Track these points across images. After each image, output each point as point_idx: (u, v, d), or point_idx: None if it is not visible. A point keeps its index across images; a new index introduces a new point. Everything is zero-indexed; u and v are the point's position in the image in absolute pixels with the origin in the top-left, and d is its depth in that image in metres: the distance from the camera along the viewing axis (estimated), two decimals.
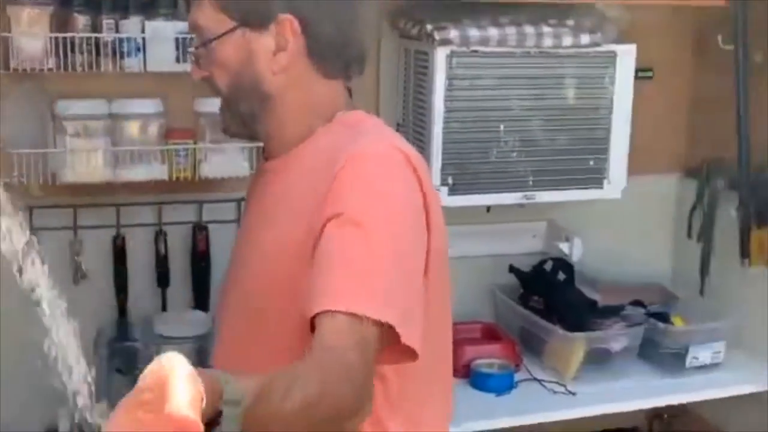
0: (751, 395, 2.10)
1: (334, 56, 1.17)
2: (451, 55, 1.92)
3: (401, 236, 1.07)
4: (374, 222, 1.04)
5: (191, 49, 1.21)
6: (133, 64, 1.80)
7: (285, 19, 1.13)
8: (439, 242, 1.14)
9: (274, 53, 1.14)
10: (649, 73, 2.32)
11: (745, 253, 2.17)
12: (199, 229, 2.06)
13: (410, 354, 1.03)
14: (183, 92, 1.91)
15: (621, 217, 2.35)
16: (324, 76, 1.18)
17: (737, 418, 2.20)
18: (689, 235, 2.36)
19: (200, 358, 1.91)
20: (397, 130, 2.10)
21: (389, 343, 1.01)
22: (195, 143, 1.91)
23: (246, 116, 1.19)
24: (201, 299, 2.06)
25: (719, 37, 2.18)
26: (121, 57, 1.78)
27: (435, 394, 1.23)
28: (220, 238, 2.05)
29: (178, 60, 1.82)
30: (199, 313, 2.00)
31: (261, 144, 1.91)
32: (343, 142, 1.12)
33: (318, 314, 0.98)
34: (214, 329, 1.46)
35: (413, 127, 2.06)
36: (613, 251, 2.38)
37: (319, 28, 1.15)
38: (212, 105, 1.87)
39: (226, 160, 1.93)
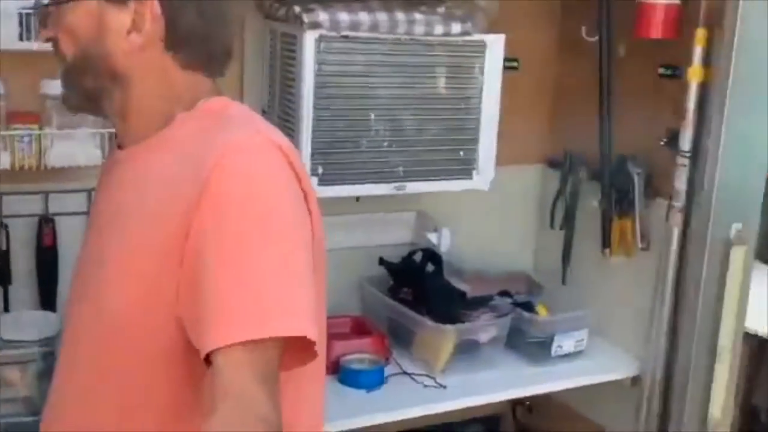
0: (614, 382, 2.15)
1: (194, 48, 1.08)
2: (320, 40, 1.84)
3: (286, 239, 0.99)
4: (256, 230, 0.97)
5: (44, 1, 1.09)
6: None
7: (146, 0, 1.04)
8: (319, 235, 1.08)
9: (128, 32, 1.05)
10: (515, 64, 2.33)
11: (606, 242, 2.21)
12: (45, 222, 1.89)
13: (310, 354, 0.99)
14: (27, 73, 1.75)
15: (487, 208, 2.36)
16: (181, 67, 1.08)
17: (600, 404, 2.26)
18: (552, 225, 2.40)
19: (47, 362, 1.77)
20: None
21: (289, 350, 0.96)
22: (40, 128, 1.75)
23: (91, 91, 1.09)
24: (48, 298, 1.90)
25: (583, 29, 2.20)
26: None
27: (310, 393, 1.17)
28: (68, 231, 1.90)
29: (21, 38, 1.65)
30: (47, 314, 1.84)
31: (112, 130, 1.81)
32: (210, 133, 1.03)
33: (214, 351, 0.91)
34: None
35: (280, 114, 1.97)
36: (479, 241, 2.39)
37: (181, 16, 1.06)
38: (59, 87, 1.75)
39: (75, 147, 1.78)
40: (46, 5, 1.08)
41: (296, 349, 0.97)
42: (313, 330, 0.96)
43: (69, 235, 1.88)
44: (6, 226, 1.85)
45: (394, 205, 2.28)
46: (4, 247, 1.85)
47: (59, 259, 1.89)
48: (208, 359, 0.94)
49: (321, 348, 1.03)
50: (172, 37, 1.06)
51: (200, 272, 0.96)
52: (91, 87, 1.08)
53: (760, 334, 2.53)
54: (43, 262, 1.89)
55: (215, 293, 0.94)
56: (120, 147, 1.14)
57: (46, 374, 1.77)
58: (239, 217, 0.97)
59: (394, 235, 2.33)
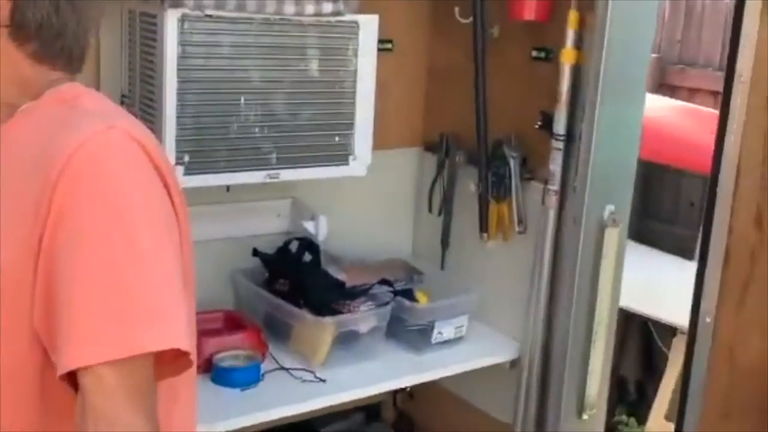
0: (494, 366, 2.14)
1: (45, 43, 0.99)
2: (183, 19, 1.73)
3: (150, 239, 0.92)
4: (117, 232, 0.90)
5: None
6: None
7: None
8: (186, 231, 1.00)
9: None
10: (389, 45, 2.28)
11: (483, 227, 2.20)
12: None
13: (185, 363, 0.94)
14: None
15: (364, 193, 2.31)
16: (29, 57, 0.99)
17: (480, 387, 2.25)
18: (430, 210, 2.37)
19: None
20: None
21: (161, 360, 0.91)
22: None
23: None
24: None
25: (456, 10, 2.17)
26: None
27: (184, 397, 1.09)
28: None
29: None
30: None
31: None
32: (59, 127, 0.94)
33: (78, 370, 0.85)
34: None
35: (141, 99, 1.85)
36: (357, 228, 2.33)
37: (33, 8, 0.97)
38: None
39: None
40: None
41: (168, 358, 0.91)
42: (186, 339, 0.91)
43: None
44: None
45: (267, 193, 2.20)
46: None
47: None
48: (70, 376, 0.87)
49: (193, 351, 0.96)
50: (19, 26, 0.97)
51: (56, 281, 0.88)
52: None
53: (626, 308, 2.60)
54: None
55: (75, 305, 0.87)
56: None
57: None
58: (97, 219, 0.89)
59: (268, 225, 2.24)
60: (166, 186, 0.97)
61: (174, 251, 0.95)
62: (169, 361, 0.93)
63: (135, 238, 0.91)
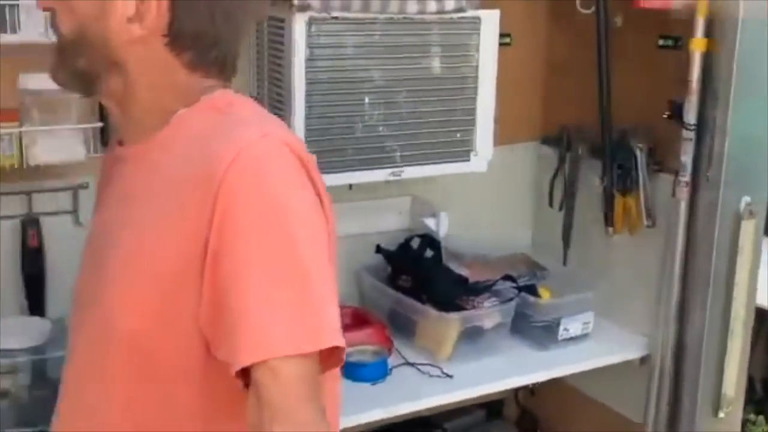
0: (623, 363, 2.10)
1: (200, 51, 1.02)
2: (311, 22, 1.76)
3: (309, 246, 0.95)
4: (280, 239, 0.93)
5: None
6: None
7: None
8: (333, 234, 1.03)
9: (129, 20, 0.98)
10: (507, 39, 2.26)
11: (609, 221, 2.15)
12: (30, 223, 1.81)
13: (337, 359, 0.97)
14: (4, 67, 1.66)
15: (482, 189, 2.30)
16: (184, 66, 1.03)
17: (607, 384, 2.21)
18: (551, 204, 2.34)
19: (38, 371, 1.70)
20: None
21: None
22: (20, 126, 1.66)
23: (82, 72, 1.03)
24: (36, 303, 1.82)
25: (577, 1, 2.14)
26: None
27: (333, 393, 1.11)
28: (54, 231, 1.82)
29: None
30: (37, 320, 1.76)
31: (99, 125, 1.73)
32: (216, 133, 0.97)
33: (252, 366, 0.88)
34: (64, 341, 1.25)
35: (270, 101, 1.89)
36: (475, 224, 2.32)
37: (190, 16, 1.00)
38: (40, 81, 1.66)
39: (59, 144, 1.69)
40: None
41: (323, 356, 0.94)
42: (342, 337, 0.94)
43: (56, 235, 1.80)
44: None
45: (387, 190, 2.21)
46: None
47: (46, 261, 1.81)
48: (241, 374, 0.91)
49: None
50: (176, 36, 1.00)
51: (224, 282, 0.91)
52: (82, 68, 1.02)
53: (760, 305, 2.50)
54: (29, 265, 1.80)
55: (245, 304, 0.90)
56: (120, 143, 1.08)
57: (37, 383, 1.70)
58: (260, 222, 0.92)
59: (389, 222, 2.26)
60: (315, 190, 0.99)
61: (327, 253, 0.98)
62: (326, 357, 0.95)
63: (295, 241, 0.94)
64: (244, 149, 0.93)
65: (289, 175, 0.96)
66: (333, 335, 0.93)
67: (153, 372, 0.98)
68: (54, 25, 1.04)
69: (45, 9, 1.05)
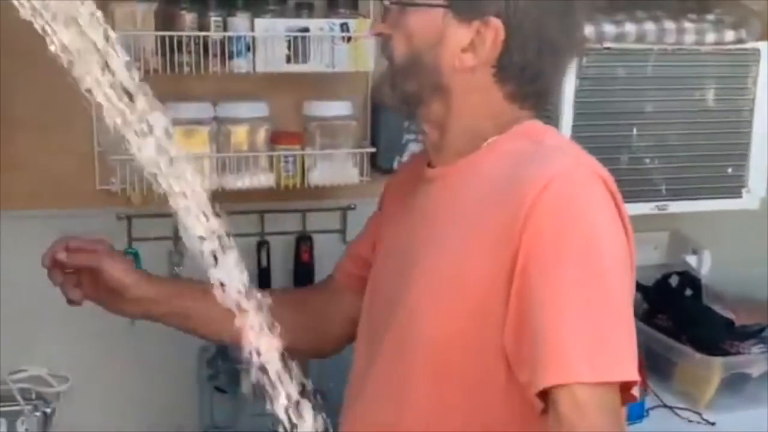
0: None
1: (521, 83, 1.06)
2: (581, 54, 1.76)
3: (617, 279, 0.96)
4: (590, 269, 0.94)
5: (386, 2, 1.10)
6: (242, 64, 1.66)
7: (493, 24, 1.02)
8: (633, 272, 1.04)
9: (463, 50, 1.04)
10: None
11: None
12: (303, 240, 1.93)
13: (629, 397, 0.96)
14: (291, 94, 1.80)
15: (747, 226, 2.17)
16: (504, 96, 1.07)
17: None
18: None
19: None
20: None
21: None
22: (302, 149, 1.78)
23: (410, 96, 1.09)
24: None
25: None
26: (230, 57, 1.65)
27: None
28: (324, 248, 1.92)
29: (288, 60, 1.69)
30: None
31: (372, 150, 1.81)
32: (525, 159, 1.00)
33: (552, 389, 0.89)
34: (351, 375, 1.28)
35: None
36: (738, 263, 2.19)
37: (521, 50, 1.04)
38: (322, 108, 1.78)
39: (335, 167, 1.79)
40: (393, 3, 1.08)
41: (621, 391, 0.94)
42: (638, 374, 0.94)
43: (325, 252, 1.90)
44: (268, 244, 1.90)
45: (645, 224, 2.14)
46: (265, 264, 1.90)
47: (315, 276, 1.92)
48: (541, 396, 0.92)
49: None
50: (504, 67, 1.04)
51: (530, 303, 0.93)
52: (411, 92, 1.08)
53: None
54: (300, 279, 1.92)
55: (551, 329, 0.92)
56: (429, 165, 1.13)
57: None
58: (570, 248, 0.94)
59: (645, 257, 2.17)
60: (623, 223, 1.00)
61: (631, 292, 0.99)
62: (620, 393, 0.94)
63: (606, 271, 0.94)
64: (560, 175, 0.96)
65: (601, 205, 0.97)
66: (632, 370, 0.93)
67: (453, 384, 1.02)
68: (386, 50, 1.10)
69: (380, 35, 1.11)
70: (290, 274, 1.94)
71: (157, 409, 1.86)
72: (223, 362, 1.83)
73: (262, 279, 1.89)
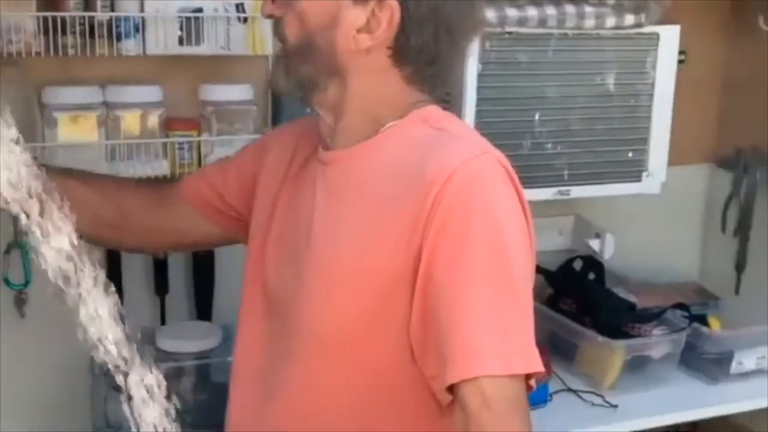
0: None
1: (418, 67, 1.03)
2: (485, 37, 1.74)
3: (520, 269, 0.94)
4: (496, 261, 0.92)
5: None
6: (131, 47, 1.58)
7: (388, 5, 0.99)
8: (533, 263, 1.02)
9: (359, 31, 1.00)
10: (682, 57, 2.16)
11: None
12: None
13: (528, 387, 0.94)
14: (185, 78, 1.72)
15: (649, 211, 2.21)
16: (401, 78, 1.03)
17: None
18: (723, 230, 2.22)
19: (204, 374, 1.74)
20: None
21: None
22: (199, 135, 1.71)
23: (305, 80, 1.04)
24: (203, 309, 1.87)
25: (761, 18, 2.02)
26: (118, 39, 1.57)
27: None
28: None
29: (181, 42, 1.62)
30: (206, 325, 1.80)
31: None
32: (427, 146, 0.98)
33: (461, 382, 0.88)
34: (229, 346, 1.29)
35: None
36: (639, 247, 2.23)
37: (417, 33, 1.00)
38: (219, 92, 1.71)
39: None
40: None
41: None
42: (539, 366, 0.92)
43: None
44: None
45: (549, 209, 2.16)
46: (162, 256, 1.83)
47: (215, 269, 1.86)
48: (449, 390, 0.90)
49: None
50: (400, 49, 1.01)
51: (435, 295, 0.91)
52: (306, 76, 1.03)
53: None
54: (200, 271, 1.85)
55: (458, 321, 0.90)
56: (325, 148, 1.08)
57: (200, 387, 1.74)
58: (476, 240, 0.92)
59: (548, 242, 2.19)
60: (523, 212, 0.99)
61: (532, 279, 0.98)
62: None
63: (510, 261, 0.93)
64: (464, 164, 0.94)
65: (505, 196, 0.96)
66: (539, 361, 0.92)
67: (353, 375, 0.99)
68: (279, 32, 1.06)
69: (270, 17, 1.06)
70: (189, 264, 1.87)
71: (47, 408, 1.77)
72: None
73: (159, 272, 1.82)
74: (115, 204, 1.27)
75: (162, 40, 1.60)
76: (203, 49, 1.64)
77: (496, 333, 0.89)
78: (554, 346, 2.02)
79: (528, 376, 0.93)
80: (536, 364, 0.92)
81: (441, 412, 0.97)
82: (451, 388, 0.91)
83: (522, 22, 1.74)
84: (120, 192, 1.31)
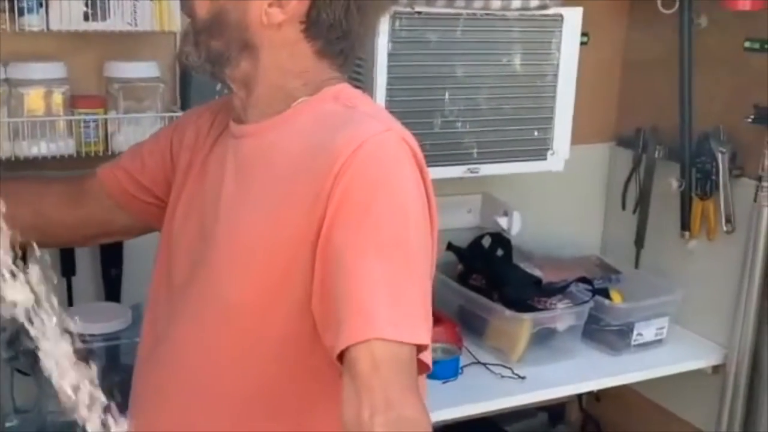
0: (695, 371, 2.06)
1: (330, 41, 1.04)
2: (395, 17, 1.76)
3: (417, 243, 0.96)
4: (393, 234, 0.94)
5: None
6: (33, 21, 1.53)
7: None
8: (436, 233, 1.04)
9: (270, 5, 1.00)
10: (584, 39, 2.22)
11: (685, 225, 2.12)
12: None
13: (422, 366, 0.95)
14: (90, 55, 1.69)
15: (552, 189, 2.27)
16: (313, 52, 1.04)
17: (676, 392, 2.17)
18: (623, 207, 2.30)
19: (114, 356, 1.71)
20: None
21: None
22: (105, 113, 1.67)
23: (216, 55, 1.04)
24: (112, 290, 1.84)
25: (659, 1, 2.10)
26: (20, 14, 1.52)
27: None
28: None
29: (86, 17, 1.58)
30: (114, 306, 1.77)
31: (179, 113, 1.73)
32: (336, 122, 0.99)
33: (352, 346, 0.88)
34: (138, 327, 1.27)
35: None
36: (545, 224, 2.30)
37: (329, 7, 1.02)
38: (125, 69, 1.68)
39: (141, 132, 1.69)
40: None
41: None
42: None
43: None
44: None
45: (458, 187, 2.20)
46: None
47: (123, 249, 1.83)
48: (341, 357, 0.90)
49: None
50: (312, 23, 1.02)
51: (334, 266, 0.92)
52: (217, 51, 1.03)
53: None
54: (107, 252, 1.82)
55: (352, 289, 0.91)
56: (236, 121, 1.08)
57: (110, 370, 1.71)
58: (376, 213, 0.93)
59: (459, 220, 2.24)
60: (426, 189, 1.01)
61: (430, 255, 0.99)
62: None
63: (407, 235, 0.95)
64: (369, 140, 0.95)
65: (408, 173, 0.98)
66: (427, 335, 0.93)
67: (255, 344, 1.00)
68: (188, 7, 1.05)
69: None
70: (96, 247, 1.83)
71: None
72: (24, 343, 1.70)
73: (65, 252, 1.78)
74: (31, 207, 1.24)
75: (66, 15, 1.56)
76: (109, 24, 1.60)
77: (390, 301, 0.90)
78: (465, 321, 2.07)
79: (418, 351, 0.93)
80: (424, 336, 0.92)
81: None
82: (342, 358, 0.91)
83: (431, 1, 1.76)
84: (33, 195, 1.28)
